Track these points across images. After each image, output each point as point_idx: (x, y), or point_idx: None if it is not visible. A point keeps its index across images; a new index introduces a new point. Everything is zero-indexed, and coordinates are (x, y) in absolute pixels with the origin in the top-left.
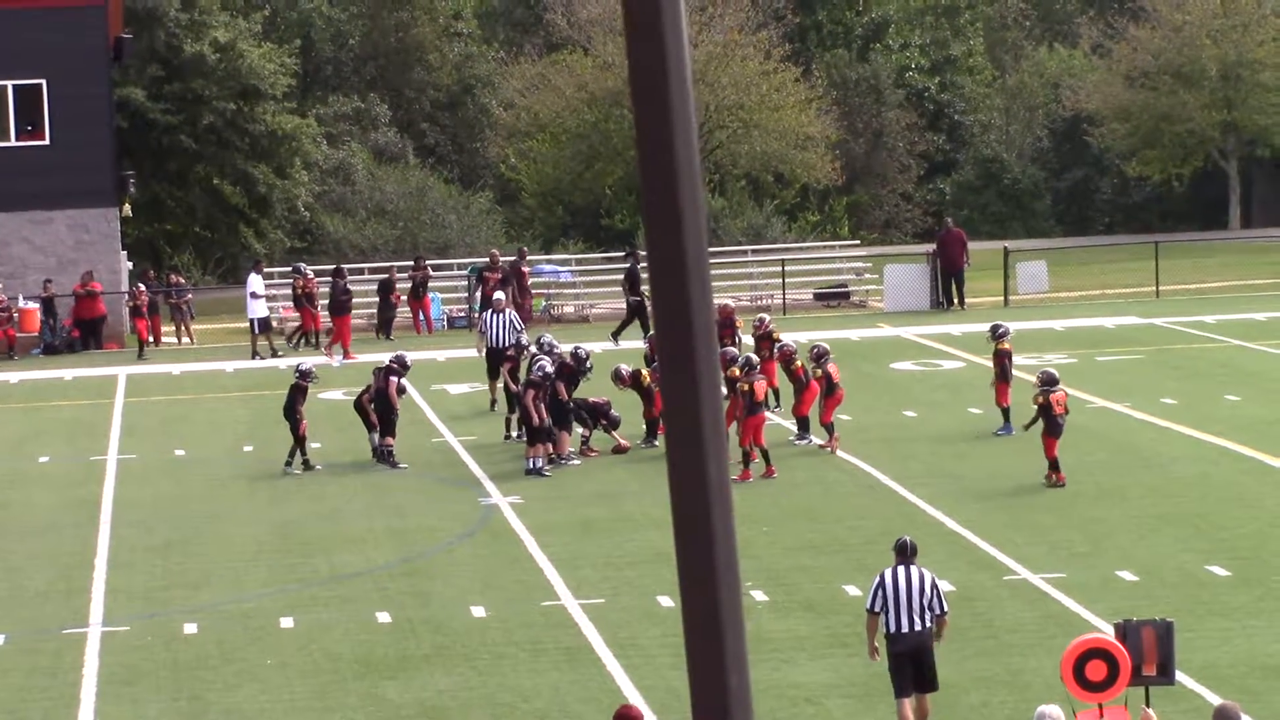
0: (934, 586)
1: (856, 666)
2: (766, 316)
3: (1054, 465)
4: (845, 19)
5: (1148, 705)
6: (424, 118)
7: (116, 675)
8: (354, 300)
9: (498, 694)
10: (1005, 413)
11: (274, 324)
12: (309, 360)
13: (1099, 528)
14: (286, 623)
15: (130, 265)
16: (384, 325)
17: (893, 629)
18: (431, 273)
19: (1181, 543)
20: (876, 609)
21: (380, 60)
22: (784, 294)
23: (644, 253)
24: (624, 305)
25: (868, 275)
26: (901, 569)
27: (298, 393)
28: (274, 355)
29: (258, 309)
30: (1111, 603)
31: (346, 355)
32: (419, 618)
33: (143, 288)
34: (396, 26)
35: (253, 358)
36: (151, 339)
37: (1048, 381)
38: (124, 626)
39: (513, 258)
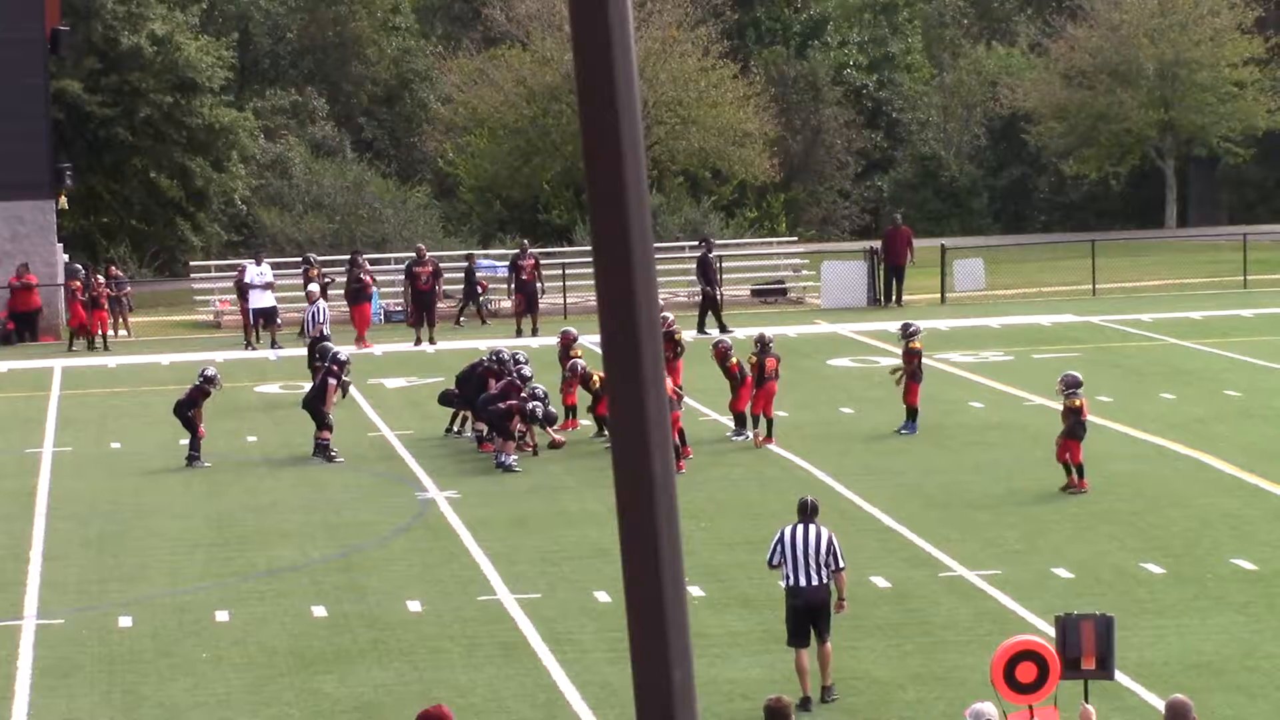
0: (830, 544)
1: (792, 663)
2: (669, 315)
3: (1079, 470)
4: (783, 16)
5: (1086, 700)
6: (361, 112)
7: (51, 668)
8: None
9: (434, 689)
10: (913, 412)
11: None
12: (212, 368)
13: (1034, 525)
14: (222, 616)
15: (66, 258)
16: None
17: (790, 583)
18: (369, 267)
19: (1117, 540)
20: (775, 563)
21: (318, 54)
22: (721, 290)
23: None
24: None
25: (805, 272)
26: (801, 526)
27: (198, 394)
28: (273, 347)
29: (259, 300)
30: (1047, 600)
31: (362, 344)
32: (355, 612)
33: (100, 279)
34: (334, 20)
35: (273, 346)
36: (93, 332)
37: (1074, 385)
38: (58, 620)
39: (515, 252)
